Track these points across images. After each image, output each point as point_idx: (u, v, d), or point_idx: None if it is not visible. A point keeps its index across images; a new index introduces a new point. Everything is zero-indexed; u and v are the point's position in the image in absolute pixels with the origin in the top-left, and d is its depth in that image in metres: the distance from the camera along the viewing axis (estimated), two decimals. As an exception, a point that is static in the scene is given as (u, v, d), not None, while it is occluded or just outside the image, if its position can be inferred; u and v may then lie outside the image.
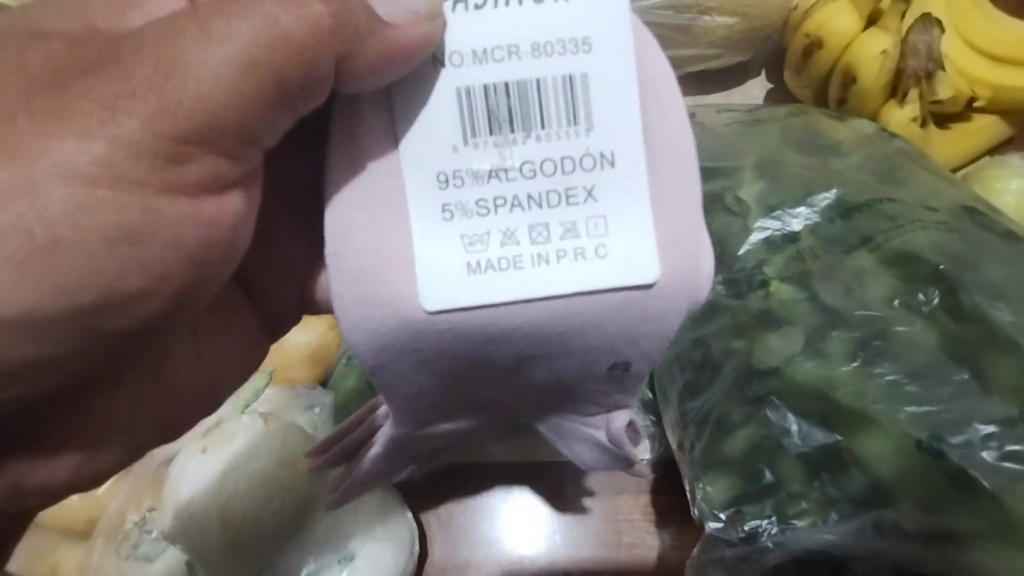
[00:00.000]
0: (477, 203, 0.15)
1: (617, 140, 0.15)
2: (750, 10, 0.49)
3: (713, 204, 0.37)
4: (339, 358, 0.43)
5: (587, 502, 0.42)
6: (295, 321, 0.18)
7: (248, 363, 0.17)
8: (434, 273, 0.15)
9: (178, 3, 0.13)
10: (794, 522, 0.29)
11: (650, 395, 0.40)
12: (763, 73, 0.58)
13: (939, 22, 0.45)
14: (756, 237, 0.35)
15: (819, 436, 0.30)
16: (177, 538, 0.32)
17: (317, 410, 0.39)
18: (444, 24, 0.14)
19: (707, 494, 0.31)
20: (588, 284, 0.15)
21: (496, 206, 0.15)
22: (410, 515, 0.38)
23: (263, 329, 0.17)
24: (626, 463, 0.24)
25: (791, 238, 0.35)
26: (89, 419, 0.13)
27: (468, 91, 0.15)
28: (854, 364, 0.30)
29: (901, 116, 0.47)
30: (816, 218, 0.35)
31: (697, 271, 0.16)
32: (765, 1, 0.49)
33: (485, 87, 0.15)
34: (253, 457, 0.33)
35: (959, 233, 0.33)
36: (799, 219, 0.35)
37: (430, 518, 0.42)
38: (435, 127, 0.15)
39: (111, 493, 0.37)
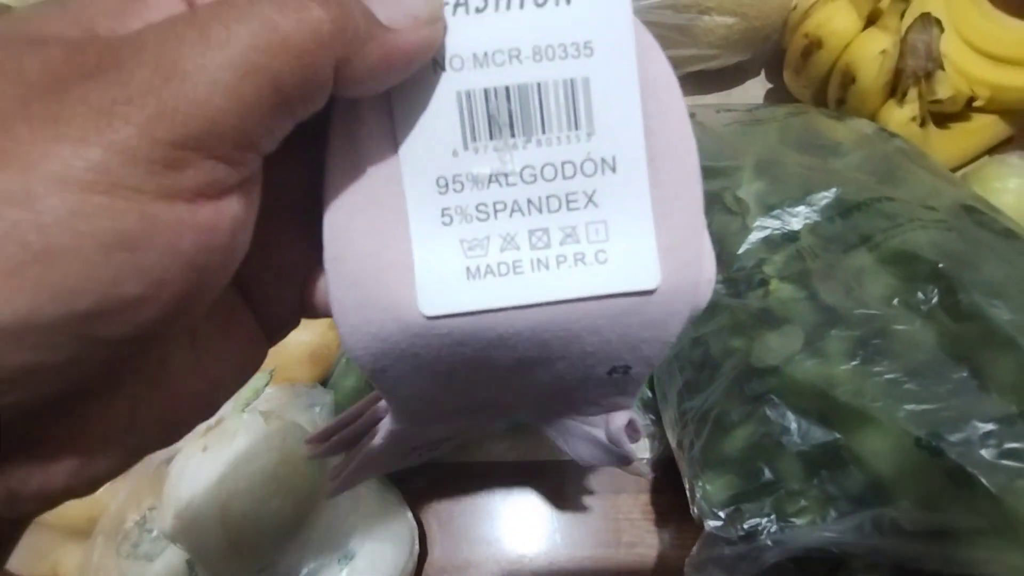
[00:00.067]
0: (477, 208, 0.15)
1: (618, 145, 0.15)
2: (749, 10, 0.49)
3: (712, 203, 0.37)
4: (339, 357, 0.43)
5: (587, 501, 0.42)
6: (294, 325, 0.18)
7: (246, 367, 0.17)
8: (433, 278, 0.15)
9: (177, 7, 0.12)
10: (793, 520, 0.29)
11: (649, 394, 0.40)
12: (763, 73, 0.58)
13: (938, 22, 0.45)
14: (755, 236, 0.35)
15: (818, 434, 0.30)
16: (177, 537, 0.32)
17: (317, 409, 0.39)
18: (444, 28, 0.14)
19: (706, 492, 0.31)
20: (588, 290, 0.15)
21: (496, 211, 0.15)
22: (410, 514, 0.38)
23: (261, 333, 0.17)
24: (625, 461, 0.24)
25: (790, 237, 0.35)
26: (87, 424, 0.13)
27: (468, 95, 0.14)
28: (853, 362, 0.30)
29: (900, 116, 0.47)
30: (815, 217, 0.35)
31: (698, 277, 0.16)
32: (764, 1, 0.49)
33: (486, 91, 0.14)
34: (253, 456, 0.33)
35: (958, 232, 0.33)
36: (798, 218, 0.35)
37: (430, 517, 0.42)
38: (435, 131, 0.15)
39: (111, 492, 0.37)
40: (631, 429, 0.22)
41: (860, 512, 0.28)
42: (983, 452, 0.26)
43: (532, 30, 0.14)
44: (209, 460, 0.33)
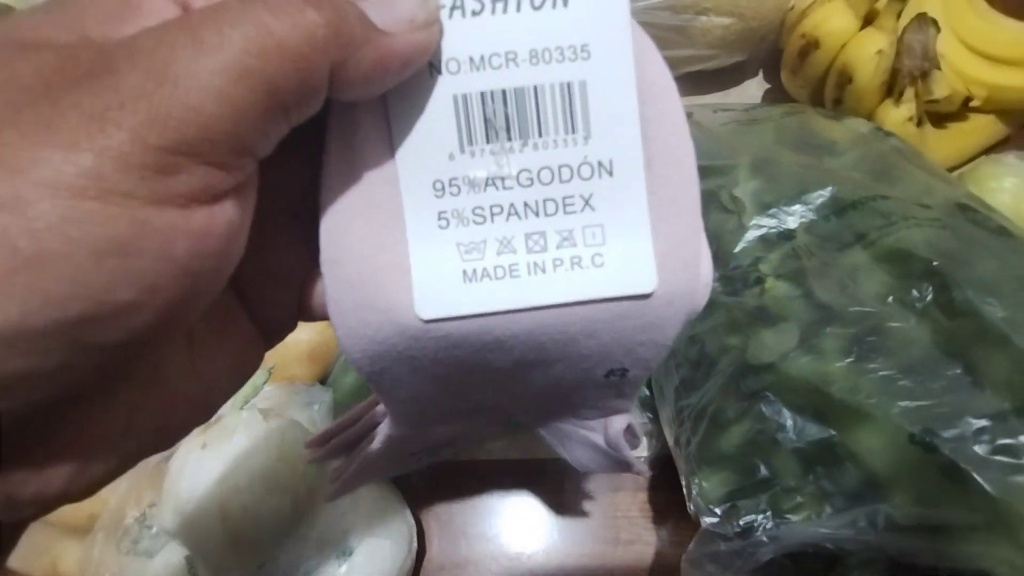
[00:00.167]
0: (473, 211, 0.15)
1: (615, 149, 0.15)
2: (746, 11, 0.49)
3: (709, 202, 0.37)
4: (338, 355, 0.44)
5: (585, 498, 0.42)
6: (291, 328, 0.18)
7: (243, 370, 0.17)
8: (430, 281, 0.15)
9: (171, 12, 0.12)
10: (789, 516, 0.29)
11: (647, 392, 0.40)
12: (760, 73, 0.58)
13: (935, 22, 0.45)
14: (752, 235, 0.35)
15: (813, 431, 0.30)
16: (177, 533, 0.32)
17: (316, 407, 0.39)
18: (440, 32, 0.14)
19: (703, 489, 0.31)
20: (585, 293, 0.15)
21: (493, 214, 0.15)
22: (409, 512, 0.38)
23: (258, 336, 0.17)
24: (624, 467, 0.23)
25: (786, 235, 0.35)
26: (82, 429, 0.13)
27: (465, 99, 0.14)
28: (848, 360, 0.30)
29: (897, 115, 0.47)
30: (811, 216, 0.35)
31: (695, 280, 0.16)
32: (761, 2, 0.50)
33: (482, 95, 0.14)
34: (253, 453, 0.33)
35: (952, 230, 0.33)
36: (794, 217, 0.35)
37: (429, 515, 0.42)
38: (432, 135, 0.15)
39: (111, 489, 0.37)
40: (630, 434, 0.22)
41: (855, 508, 0.28)
42: (976, 448, 0.26)
43: (529, 33, 0.14)
44: (208, 457, 0.33)
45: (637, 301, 0.16)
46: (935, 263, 0.31)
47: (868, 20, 0.47)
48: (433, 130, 0.15)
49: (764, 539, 0.29)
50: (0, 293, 0.10)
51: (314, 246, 0.15)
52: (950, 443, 0.27)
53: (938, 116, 0.49)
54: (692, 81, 0.55)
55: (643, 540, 0.41)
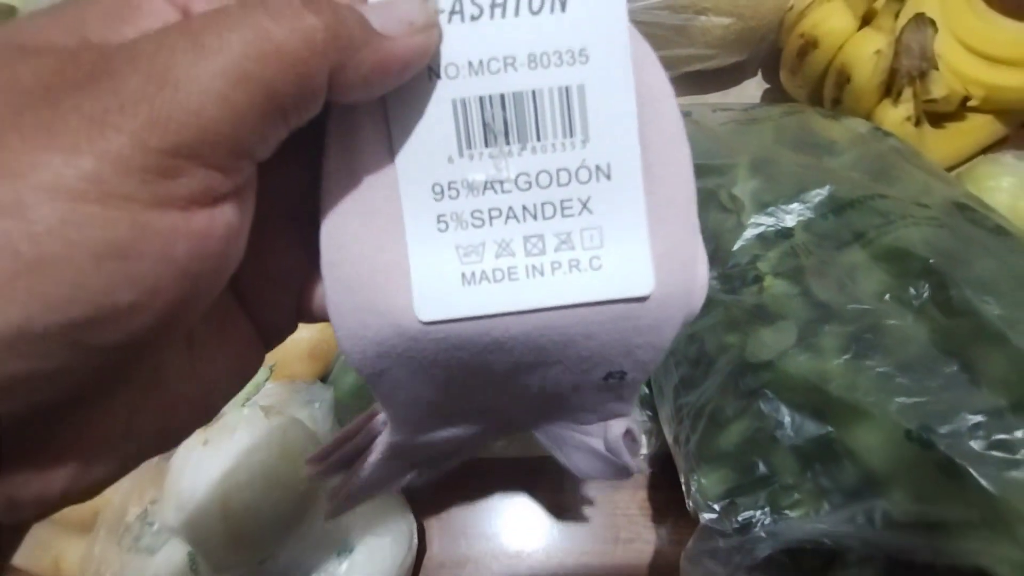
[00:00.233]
0: (472, 214, 0.15)
1: (613, 152, 0.15)
2: (745, 11, 0.50)
3: (708, 201, 0.37)
4: (339, 354, 0.44)
5: (585, 497, 0.42)
6: (291, 330, 0.18)
7: (243, 372, 0.17)
8: (429, 283, 0.15)
9: (172, 16, 0.12)
10: (787, 513, 0.29)
11: (646, 390, 0.40)
12: (759, 73, 0.58)
13: (933, 22, 0.45)
14: (750, 233, 0.35)
15: (811, 428, 0.30)
16: (179, 530, 0.32)
17: (317, 405, 0.39)
18: (440, 35, 0.14)
19: (702, 486, 0.32)
20: (582, 296, 0.15)
21: (491, 217, 0.15)
22: (409, 510, 0.39)
23: (258, 338, 0.17)
24: (624, 472, 0.23)
25: (784, 234, 0.35)
26: (83, 432, 0.13)
27: (464, 102, 0.15)
28: (846, 357, 0.30)
29: (895, 115, 0.47)
30: (809, 214, 0.35)
31: (692, 283, 0.16)
32: (760, 2, 0.50)
33: (481, 98, 0.15)
34: (254, 450, 0.33)
35: (950, 229, 0.33)
36: (792, 215, 0.35)
37: (429, 513, 0.42)
38: (431, 138, 0.15)
39: (114, 486, 0.37)
40: (630, 438, 0.22)
41: (853, 505, 0.28)
42: (972, 444, 0.26)
43: (527, 37, 0.14)
44: (210, 454, 0.33)
45: (635, 303, 0.16)
46: (933, 262, 0.31)
47: (866, 20, 0.47)
48: (432, 134, 0.15)
49: (762, 535, 0.29)
50: (1, 297, 0.10)
51: (314, 249, 0.15)
52: (947, 439, 0.27)
53: (936, 116, 0.49)
54: (691, 80, 0.55)
55: (642, 538, 0.41)
